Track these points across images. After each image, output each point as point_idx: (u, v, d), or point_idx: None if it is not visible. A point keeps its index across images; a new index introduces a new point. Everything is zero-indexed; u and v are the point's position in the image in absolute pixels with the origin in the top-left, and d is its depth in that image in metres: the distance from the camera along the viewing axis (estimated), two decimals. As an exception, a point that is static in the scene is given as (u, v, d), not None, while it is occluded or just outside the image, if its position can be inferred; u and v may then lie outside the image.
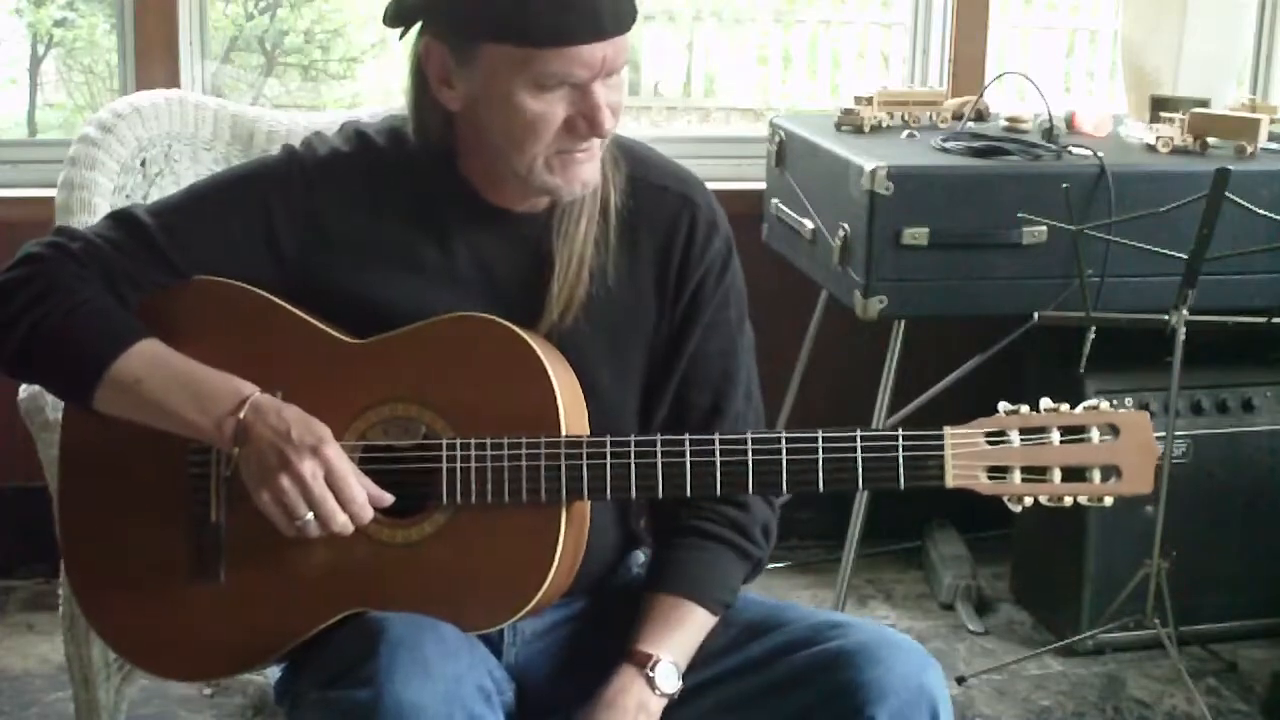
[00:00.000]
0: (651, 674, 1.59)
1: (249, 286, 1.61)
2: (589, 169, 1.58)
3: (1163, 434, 2.56)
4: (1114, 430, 1.55)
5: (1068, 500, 1.55)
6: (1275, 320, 2.50)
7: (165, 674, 1.71)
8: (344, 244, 1.62)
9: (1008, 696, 2.75)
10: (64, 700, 2.54)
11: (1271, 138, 2.79)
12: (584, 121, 1.53)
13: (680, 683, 1.61)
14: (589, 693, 1.60)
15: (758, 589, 1.76)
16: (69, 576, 1.66)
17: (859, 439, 1.54)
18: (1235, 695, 2.77)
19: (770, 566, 1.77)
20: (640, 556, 1.82)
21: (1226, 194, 2.45)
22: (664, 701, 1.60)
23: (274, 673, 1.73)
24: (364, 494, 1.52)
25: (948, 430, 1.54)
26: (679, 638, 1.63)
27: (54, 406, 1.99)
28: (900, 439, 1.54)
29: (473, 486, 1.54)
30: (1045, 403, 1.56)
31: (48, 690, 2.66)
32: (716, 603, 1.66)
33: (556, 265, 1.62)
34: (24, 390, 2.00)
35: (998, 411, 1.56)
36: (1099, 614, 2.79)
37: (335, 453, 1.51)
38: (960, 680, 2.75)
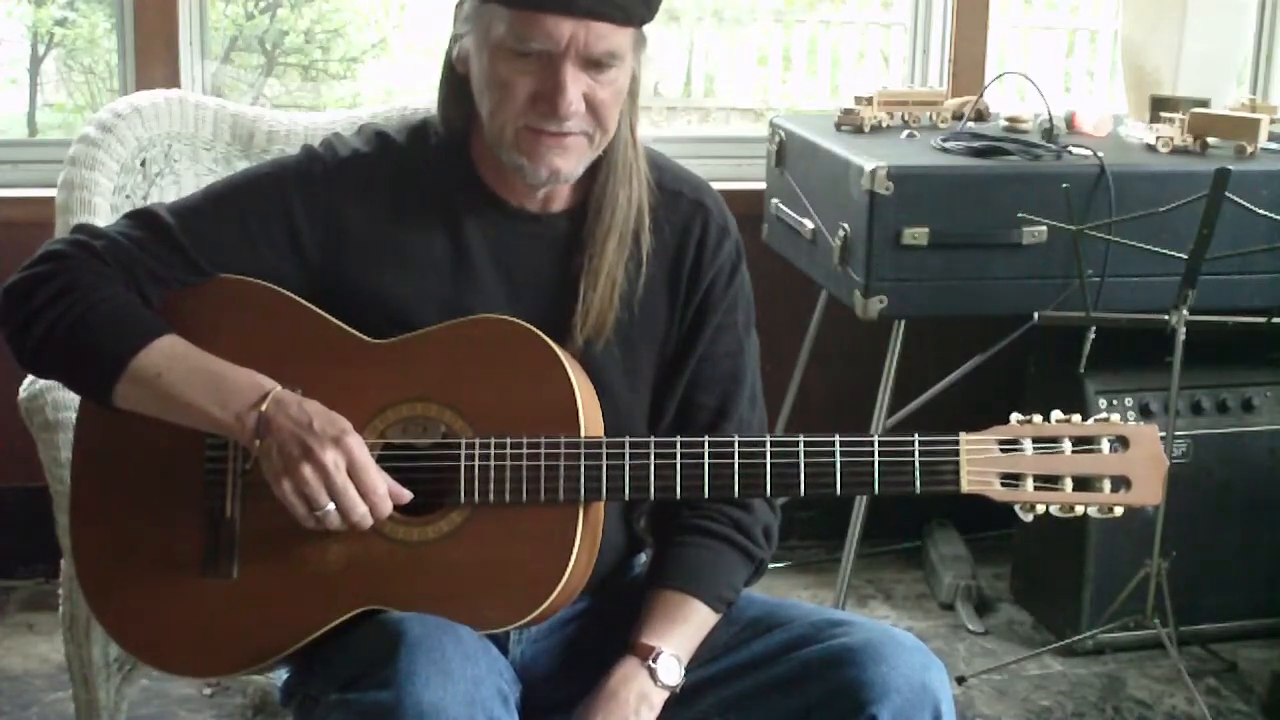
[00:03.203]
0: (653, 666, 1.59)
1: (270, 285, 1.62)
2: (559, 158, 1.57)
3: (1163, 434, 2.56)
4: (1124, 442, 1.56)
5: (1079, 510, 1.56)
6: (1275, 320, 2.50)
7: (174, 671, 1.70)
8: (364, 244, 1.62)
9: (1008, 696, 2.75)
10: (64, 700, 2.53)
11: (1271, 138, 2.79)
12: (545, 100, 1.52)
13: (682, 676, 1.61)
14: (591, 690, 1.60)
15: (759, 588, 1.76)
16: (77, 572, 1.65)
17: (876, 444, 1.54)
18: (1235, 695, 2.77)
19: (770, 566, 1.77)
20: (643, 558, 1.82)
21: (1226, 194, 2.45)
22: (665, 694, 1.59)
23: (278, 674, 1.72)
24: (384, 486, 1.52)
25: (963, 436, 1.55)
26: (681, 632, 1.63)
27: (54, 406, 1.99)
28: (917, 444, 1.54)
29: (491, 486, 1.54)
30: (1056, 414, 1.57)
31: (48, 690, 2.66)
32: (719, 600, 1.66)
33: (582, 287, 1.62)
34: (24, 390, 2.00)
35: (1010, 420, 1.57)
36: (1099, 614, 2.80)
37: (357, 443, 1.51)
38: (960, 680, 2.75)
